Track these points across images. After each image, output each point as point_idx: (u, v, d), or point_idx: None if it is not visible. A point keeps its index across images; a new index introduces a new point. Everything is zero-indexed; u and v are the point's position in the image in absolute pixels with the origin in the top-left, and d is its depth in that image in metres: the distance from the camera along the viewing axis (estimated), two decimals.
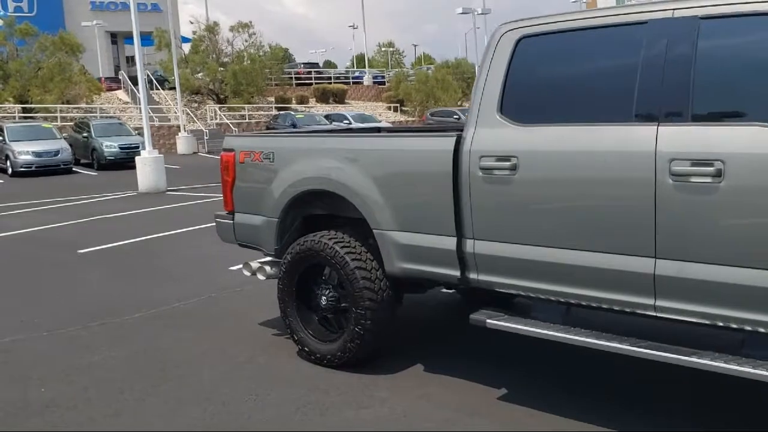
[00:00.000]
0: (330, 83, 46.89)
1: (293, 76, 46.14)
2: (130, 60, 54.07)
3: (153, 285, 7.19)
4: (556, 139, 3.54)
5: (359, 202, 4.32)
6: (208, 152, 30.51)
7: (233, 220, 5.24)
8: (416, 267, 4.16)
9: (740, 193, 3.02)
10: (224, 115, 35.44)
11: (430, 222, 4.02)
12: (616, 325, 3.57)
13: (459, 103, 43.99)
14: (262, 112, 38.00)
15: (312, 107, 41.50)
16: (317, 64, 59.28)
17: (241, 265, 7.64)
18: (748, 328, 3.09)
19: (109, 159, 23.52)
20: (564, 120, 3.57)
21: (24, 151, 21.98)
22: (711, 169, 3.06)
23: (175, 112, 32.81)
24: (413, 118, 41.49)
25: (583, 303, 3.54)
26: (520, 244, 3.65)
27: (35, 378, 4.68)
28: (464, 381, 4.31)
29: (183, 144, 29.73)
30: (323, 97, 43.79)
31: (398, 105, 43.98)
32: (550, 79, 3.73)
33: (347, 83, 48.25)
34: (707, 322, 3.20)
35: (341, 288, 4.56)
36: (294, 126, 29.37)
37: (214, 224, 10.64)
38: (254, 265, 5.16)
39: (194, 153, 29.82)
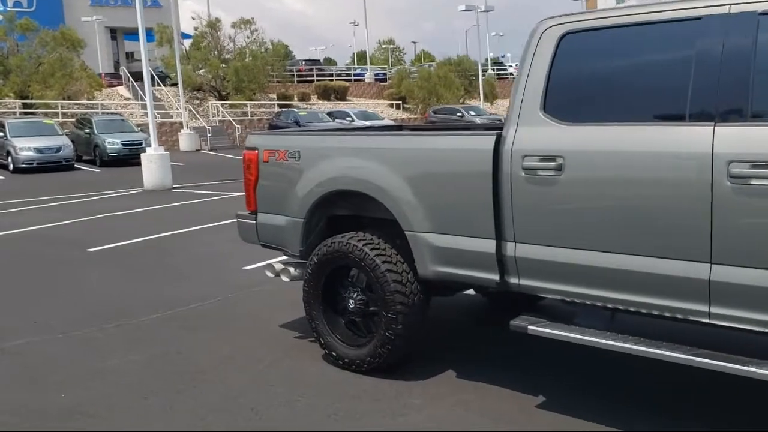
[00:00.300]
0: (331, 80, 46.70)
1: (294, 73, 45.93)
2: (130, 56, 53.85)
3: (167, 285, 7.06)
4: (605, 139, 3.41)
5: (391, 203, 4.18)
6: (211, 149, 30.38)
7: (256, 220, 5.10)
8: (451, 270, 4.03)
9: None
10: (226, 112, 35.25)
11: (467, 224, 3.89)
12: (663, 333, 3.45)
13: (461, 101, 43.85)
14: (263, 109, 37.83)
15: (313, 104, 41.34)
16: (318, 61, 59.09)
17: (255, 265, 7.60)
18: None
19: (111, 156, 23.35)
20: (613, 119, 3.44)
21: (26, 148, 21.81)
22: None
23: (177, 109, 32.64)
24: (415, 116, 41.33)
25: (632, 309, 3.41)
26: (566, 248, 3.52)
27: (53, 382, 4.55)
28: (498, 387, 4.18)
29: (185, 141, 29.55)
30: (325, 94, 43.62)
31: (400, 102, 43.81)
32: (597, 76, 3.59)
33: (349, 80, 48.05)
34: (766, 330, 3.07)
35: (370, 291, 4.43)
36: (297, 123, 29.21)
37: (224, 222, 10.61)
38: (278, 266, 5.02)
39: (197, 150, 29.65)
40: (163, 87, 36.56)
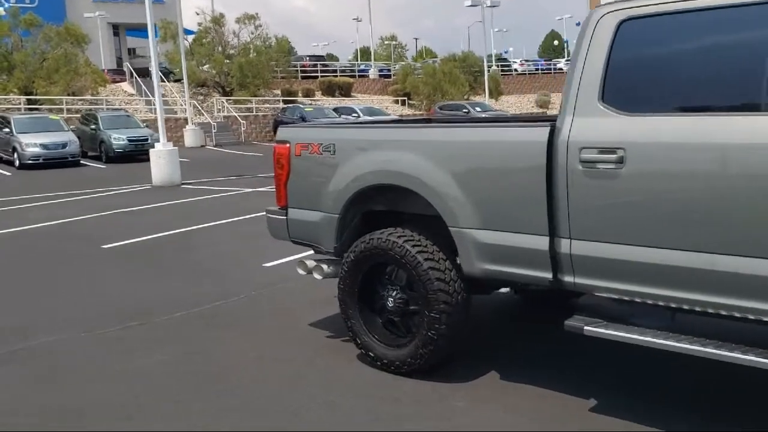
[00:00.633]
0: (336, 76, 46.46)
1: (299, 69, 45.71)
2: (132, 52, 53.63)
3: (187, 282, 6.90)
4: (670, 131, 3.23)
5: (435, 199, 4.01)
6: (216, 145, 30.20)
7: (287, 216, 4.94)
8: (499, 268, 3.86)
9: None
10: (231, 107, 35.05)
11: (517, 220, 3.72)
12: (724, 333, 3.29)
13: (466, 97, 43.63)
14: (268, 105, 37.62)
15: (318, 100, 41.13)
16: (323, 56, 58.81)
17: (275, 262, 7.44)
18: None
19: (117, 152, 23.16)
20: (679, 109, 3.28)
21: (32, 143, 21.64)
22: None
23: (182, 105, 32.42)
24: (421, 112, 41.11)
25: (697, 308, 3.25)
26: (627, 245, 3.35)
27: (80, 383, 4.39)
28: (545, 390, 4.01)
29: (190, 137, 29.35)
30: (329, 90, 43.40)
31: (405, 98, 43.58)
32: (661, 65, 3.41)
33: (353, 76, 47.78)
34: None
35: (410, 289, 4.27)
36: (303, 119, 28.98)
37: (238, 219, 10.46)
38: (310, 263, 4.85)
39: (201, 146, 29.46)
40: (167, 83, 36.34)
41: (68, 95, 31.45)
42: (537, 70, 58.63)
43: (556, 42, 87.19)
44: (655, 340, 3.31)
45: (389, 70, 51.16)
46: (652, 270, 3.30)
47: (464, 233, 3.93)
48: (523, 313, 5.63)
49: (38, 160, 21.56)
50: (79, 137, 23.54)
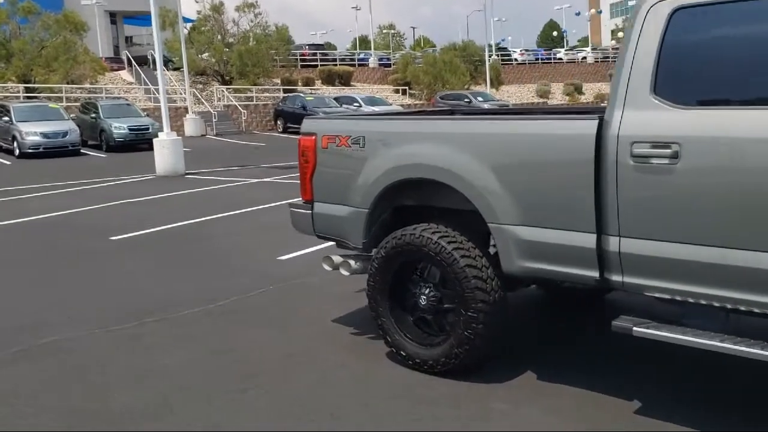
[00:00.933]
0: (335, 65, 46.16)
1: (298, 57, 45.40)
2: (129, 40, 53.15)
3: (202, 276, 6.76)
4: (728, 125, 3.10)
5: (473, 193, 3.88)
6: (217, 134, 29.99)
7: (312, 210, 4.80)
8: (541, 266, 3.73)
9: None
10: (231, 96, 34.79)
11: (562, 216, 3.59)
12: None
13: (466, 87, 43.42)
14: (268, 94, 37.36)
15: (318, 89, 40.89)
16: (322, 45, 58.45)
17: (289, 255, 7.31)
18: None
19: (118, 141, 22.98)
20: (737, 102, 3.14)
21: (32, 132, 21.43)
22: None
23: (181, 94, 32.16)
24: (421, 101, 40.90)
25: (756, 310, 3.13)
26: (681, 243, 3.22)
27: (102, 383, 4.25)
28: (584, 390, 3.90)
29: (191, 126, 29.13)
30: (329, 79, 43.15)
31: (405, 88, 43.34)
32: (717, 56, 3.27)
33: (353, 65, 47.47)
34: None
35: (444, 287, 4.14)
36: (304, 108, 28.78)
37: (245, 210, 10.32)
38: (337, 259, 4.73)
39: (202, 135, 29.27)
40: (166, 71, 36.01)
41: (67, 83, 31.15)
42: (537, 59, 58.36)
43: (555, 33, 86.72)
44: (711, 342, 3.19)
45: (389, 59, 50.86)
46: (708, 269, 3.17)
47: (504, 229, 3.80)
48: (550, 310, 5.51)
49: (38, 149, 21.36)
50: (78, 126, 23.33)
